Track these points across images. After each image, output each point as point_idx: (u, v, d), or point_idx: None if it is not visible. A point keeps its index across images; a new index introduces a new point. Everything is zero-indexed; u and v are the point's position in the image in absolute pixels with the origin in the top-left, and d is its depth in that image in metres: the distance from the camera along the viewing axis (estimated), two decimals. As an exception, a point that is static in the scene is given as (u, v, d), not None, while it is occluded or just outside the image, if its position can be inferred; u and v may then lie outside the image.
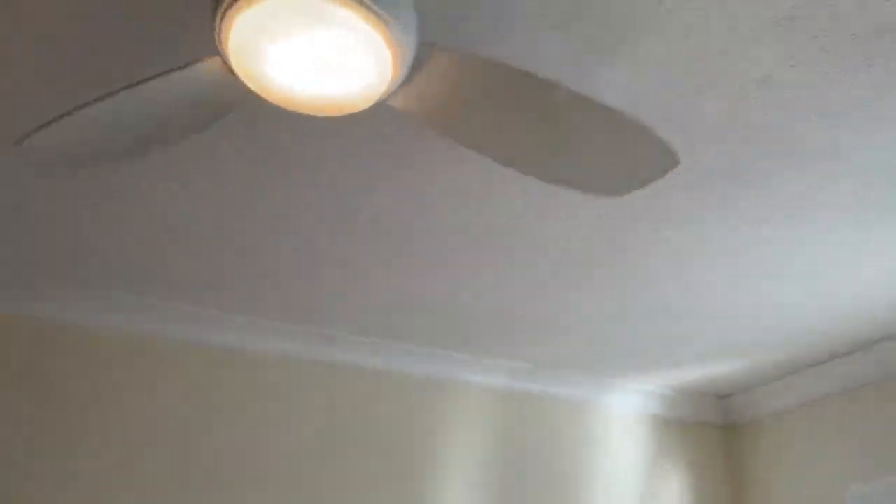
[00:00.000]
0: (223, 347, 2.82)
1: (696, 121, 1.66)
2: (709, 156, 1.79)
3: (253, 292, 2.60)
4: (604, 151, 1.28)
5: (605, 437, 3.42)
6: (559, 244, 2.22)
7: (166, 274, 2.47)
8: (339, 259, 2.34)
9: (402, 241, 2.23)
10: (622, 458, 3.41)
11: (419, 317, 2.79)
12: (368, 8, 0.98)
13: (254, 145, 1.78)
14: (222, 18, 1.01)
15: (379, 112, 1.42)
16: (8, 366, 2.50)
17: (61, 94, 1.60)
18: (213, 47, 1.08)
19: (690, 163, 1.81)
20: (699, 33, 1.40)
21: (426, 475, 2.98)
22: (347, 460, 2.87)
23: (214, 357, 2.79)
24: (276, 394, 2.85)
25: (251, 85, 1.09)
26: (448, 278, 2.46)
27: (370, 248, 2.27)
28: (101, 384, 2.60)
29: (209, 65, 1.13)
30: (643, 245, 2.22)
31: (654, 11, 1.34)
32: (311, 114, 1.15)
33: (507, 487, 3.11)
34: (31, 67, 1.52)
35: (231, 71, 1.11)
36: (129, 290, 2.60)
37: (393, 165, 1.86)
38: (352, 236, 2.21)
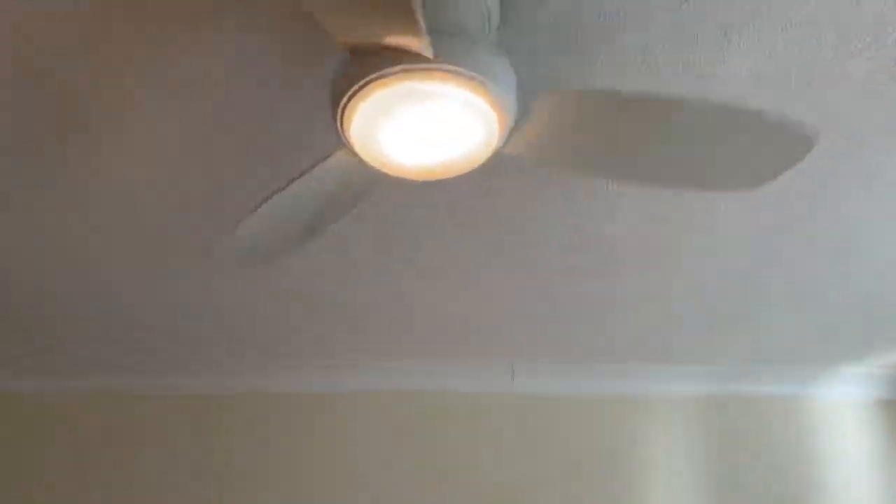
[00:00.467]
0: (420, 392, 3.01)
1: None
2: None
3: (448, 337, 2.76)
4: (733, 151, 1.25)
5: (830, 432, 3.15)
6: (749, 229, 2.07)
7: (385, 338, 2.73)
8: (507, 293, 2.42)
9: (580, 257, 2.23)
10: (854, 453, 3.11)
11: (600, 334, 2.76)
12: (470, 77, 1.06)
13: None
14: (342, 113, 1.15)
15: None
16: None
17: (211, 197, 1.87)
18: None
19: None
20: None
21: (637, 500, 2.93)
22: (552, 492, 2.90)
23: (419, 402, 3.00)
24: (476, 428, 2.96)
25: (374, 164, 1.22)
26: (628, 287, 2.42)
27: (544, 281, 2.33)
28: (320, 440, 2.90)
29: (340, 155, 1.28)
30: (846, 206, 1.98)
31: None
32: (431, 179, 1.26)
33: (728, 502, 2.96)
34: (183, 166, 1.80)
35: (356, 155, 1.25)
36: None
37: (563, 199, 1.92)
38: (526, 270, 2.28)
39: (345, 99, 1.11)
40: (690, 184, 1.38)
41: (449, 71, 1.05)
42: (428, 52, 1.01)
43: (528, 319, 2.63)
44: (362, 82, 1.07)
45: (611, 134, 1.25)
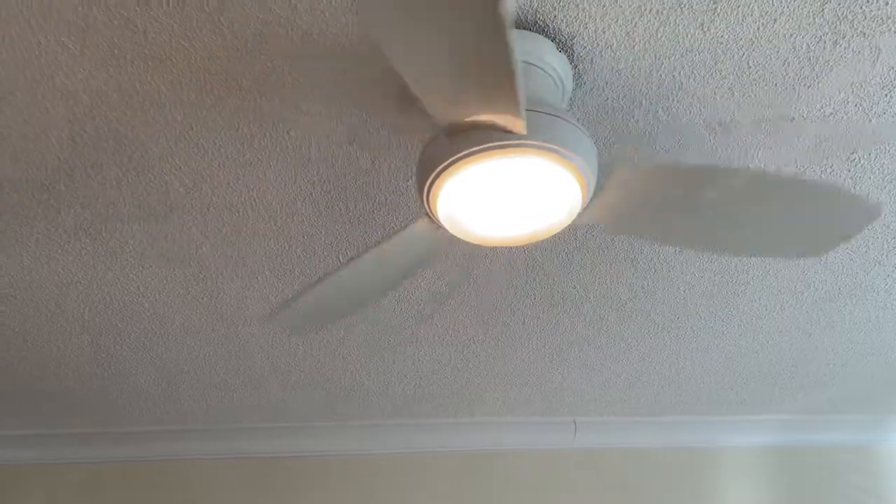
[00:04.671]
0: (477, 451, 2.99)
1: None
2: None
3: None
4: (800, 219, 1.28)
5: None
6: (818, 273, 2.05)
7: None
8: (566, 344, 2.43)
9: (641, 317, 2.26)
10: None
11: (665, 387, 2.74)
12: (558, 152, 1.10)
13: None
14: (430, 187, 1.19)
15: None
16: None
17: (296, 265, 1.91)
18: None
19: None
20: None
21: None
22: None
23: (477, 462, 2.98)
24: (537, 487, 2.93)
25: (458, 235, 1.25)
26: (692, 341, 2.41)
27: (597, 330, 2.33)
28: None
29: (421, 224, 1.33)
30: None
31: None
32: (510, 245, 1.29)
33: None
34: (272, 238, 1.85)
35: (438, 225, 1.29)
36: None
37: (625, 259, 1.94)
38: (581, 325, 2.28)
39: (434, 173, 1.15)
40: (757, 251, 1.41)
41: (538, 146, 1.09)
42: (522, 130, 1.05)
43: (590, 374, 2.62)
44: (454, 158, 1.11)
45: (680, 203, 1.28)
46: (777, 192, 1.23)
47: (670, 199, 1.25)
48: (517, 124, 1.03)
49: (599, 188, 1.22)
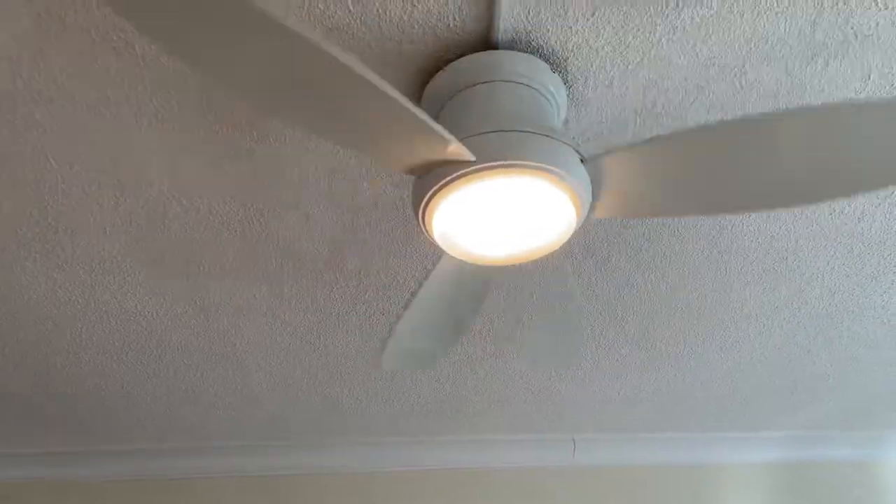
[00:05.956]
0: (477, 469, 2.97)
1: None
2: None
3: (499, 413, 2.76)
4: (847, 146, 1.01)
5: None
6: (816, 290, 2.05)
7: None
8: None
9: (642, 333, 2.26)
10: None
11: (662, 404, 2.74)
12: (552, 172, 1.10)
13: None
14: (424, 210, 1.20)
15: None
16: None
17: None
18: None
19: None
20: None
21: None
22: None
23: (476, 480, 2.96)
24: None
25: (457, 255, 1.26)
26: (691, 357, 2.43)
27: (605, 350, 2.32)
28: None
29: (444, 258, 1.35)
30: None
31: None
32: (507, 264, 1.30)
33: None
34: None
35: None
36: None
37: (622, 277, 1.94)
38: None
39: (429, 193, 1.16)
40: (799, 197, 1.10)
41: (533, 167, 1.09)
42: (469, 156, 1.05)
43: (589, 391, 2.61)
44: (448, 178, 1.12)
45: (693, 169, 1.10)
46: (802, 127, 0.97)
47: (678, 167, 1.09)
48: (463, 152, 1.04)
49: (598, 183, 1.16)
